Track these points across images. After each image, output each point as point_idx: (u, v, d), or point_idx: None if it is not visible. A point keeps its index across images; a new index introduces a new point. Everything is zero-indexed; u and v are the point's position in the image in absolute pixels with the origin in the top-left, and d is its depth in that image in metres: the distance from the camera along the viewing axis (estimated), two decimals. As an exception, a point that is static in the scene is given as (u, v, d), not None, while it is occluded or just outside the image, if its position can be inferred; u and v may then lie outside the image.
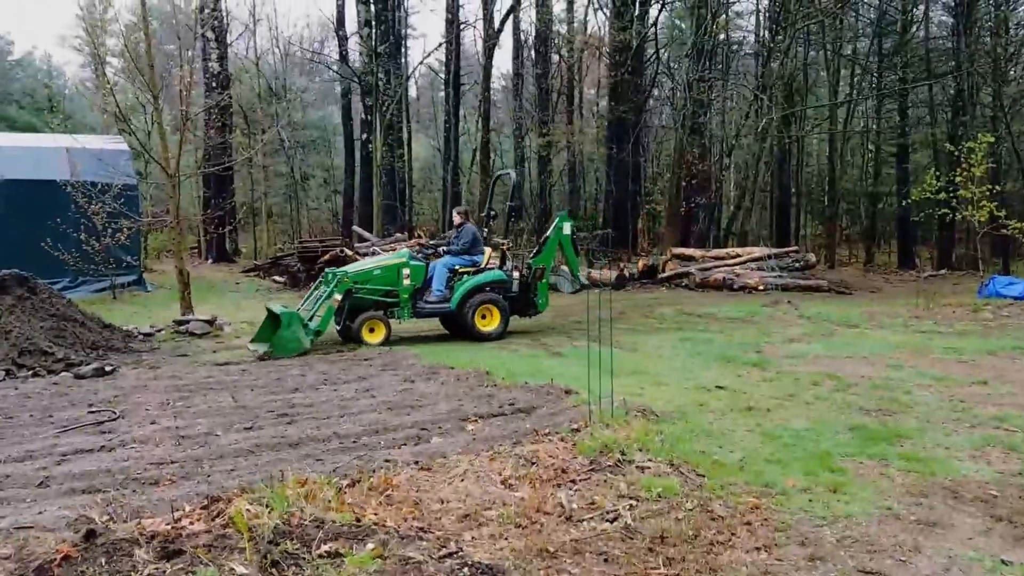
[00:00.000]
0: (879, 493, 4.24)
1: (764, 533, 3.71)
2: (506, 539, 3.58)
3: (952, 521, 3.88)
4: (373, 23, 26.26)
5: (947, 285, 19.72)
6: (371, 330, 10.12)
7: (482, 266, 10.90)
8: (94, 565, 3.00)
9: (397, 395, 6.85)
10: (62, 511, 3.98)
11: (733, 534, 3.69)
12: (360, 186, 29.03)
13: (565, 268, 13.08)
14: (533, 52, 29.99)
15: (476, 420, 5.87)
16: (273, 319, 9.64)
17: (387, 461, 4.74)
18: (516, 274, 11.19)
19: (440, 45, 29.72)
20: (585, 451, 4.71)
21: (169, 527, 3.38)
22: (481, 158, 27.97)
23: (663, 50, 28.87)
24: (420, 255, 11.08)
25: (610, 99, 27.42)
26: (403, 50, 30.34)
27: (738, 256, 20.60)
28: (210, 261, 26.03)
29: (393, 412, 6.20)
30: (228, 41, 28.10)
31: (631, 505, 3.96)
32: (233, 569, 3.04)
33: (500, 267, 11.16)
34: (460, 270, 10.76)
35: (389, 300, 10.45)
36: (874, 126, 32.46)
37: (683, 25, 29.80)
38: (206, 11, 23.49)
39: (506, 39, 30.46)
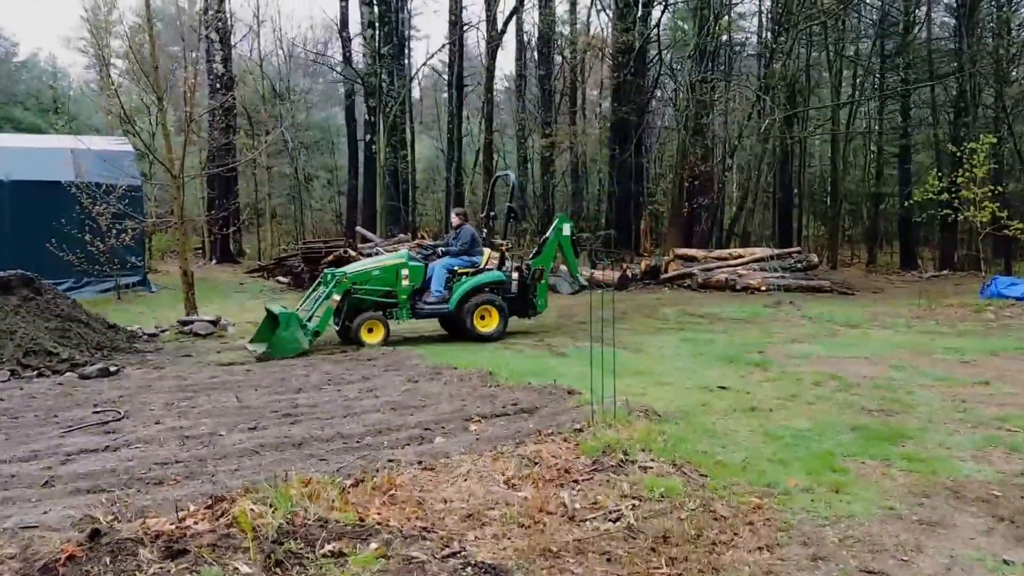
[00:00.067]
0: (881, 493, 4.24)
1: (766, 533, 3.71)
2: (509, 539, 3.58)
3: (954, 521, 3.88)
4: (377, 24, 26.30)
5: (949, 286, 19.72)
6: (370, 330, 10.11)
7: (481, 267, 10.91)
8: (99, 565, 3.01)
9: (401, 395, 6.87)
10: (67, 511, 4.00)
11: (736, 534, 3.70)
12: (363, 187, 29.06)
13: (564, 269, 13.09)
14: (536, 53, 29.99)
15: (479, 420, 5.88)
16: (272, 319, 9.64)
17: (390, 461, 4.75)
18: (515, 275, 11.18)
19: (443, 46, 29.74)
20: (588, 451, 4.72)
21: (173, 527, 3.40)
22: (484, 159, 27.99)
23: (666, 51, 28.88)
24: (419, 256, 11.08)
25: (613, 100, 27.41)
26: (406, 51, 30.39)
27: (741, 257, 20.59)
28: (214, 262, 26.05)
29: (397, 412, 6.21)
30: (232, 42, 28.14)
31: (634, 505, 3.97)
32: (237, 569, 3.05)
33: (499, 268, 11.16)
34: (459, 271, 10.76)
35: (388, 301, 10.45)
36: (876, 127, 32.44)
37: (686, 26, 29.83)
38: (210, 13, 23.57)
39: (509, 40, 30.51)
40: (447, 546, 3.40)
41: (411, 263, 10.62)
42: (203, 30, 22.97)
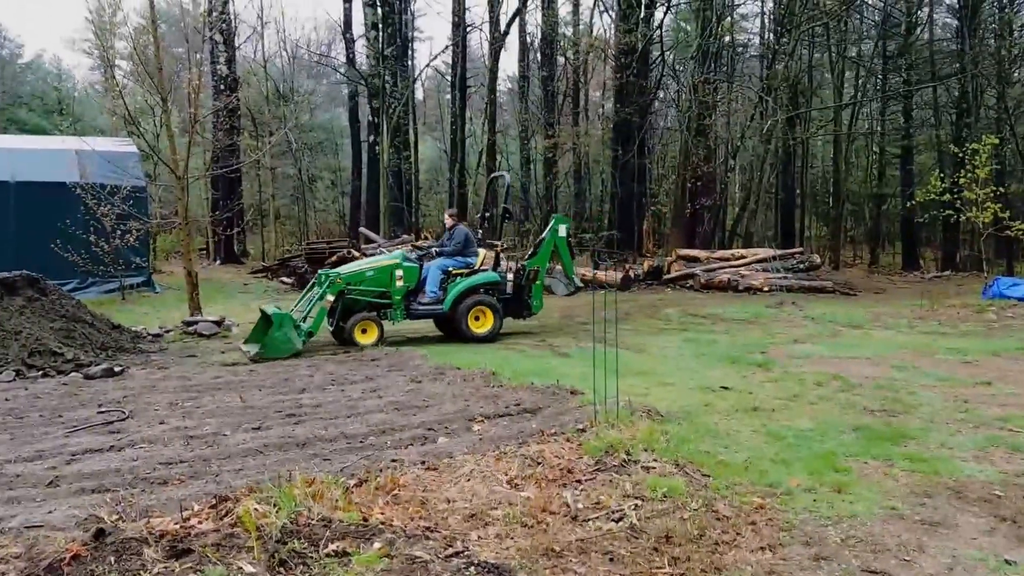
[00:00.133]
0: (883, 493, 4.25)
1: (769, 533, 3.72)
2: (512, 539, 3.59)
3: (956, 521, 3.89)
4: (380, 26, 26.33)
5: (951, 286, 19.72)
6: (363, 331, 10.08)
7: (476, 267, 10.89)
8: (103, 564, 3.02)
9: (404, 395, 6.88)
10: (72, 510, 4.02)
11: (738, 534, 3.70)
12: (367, 188, 29.08)
13: (560, 270, 13.06)
14: (539, 54, 30.00)
15: (482, 420, 5.89)
16: (266, 320, 9.60)
17: (394, 461, 4.77)
18: (510, 276, 11.16)
19: (446, 48, 29.75)
20: (591, 451, 4.72)
21: (178, 526, 3.40)
22: (487, 160, 28.00)
23: (668, 52, 28.86)
24: (414, 256, 11.06)
25: (615, 101, 27.38)
26: (410, 53, 30.42)
27: (743, 257, 20.60)
28: (218, 262, 26.10)
29: (400, 412, 6.23)
30: (236, 44, 28.21)
31: (636, 505, 3.98)
32: (241, 568, 3.05)
33: (494, 269, 11.14)
34: (454, 272, 10.75)
35: (382, 302, 10.41)
36: (878, 128, 32.42)
37: (688, 27, 29.81)
38: (214, 14, 23.59)
39: (512, 42, 30.49)
40: (450, 546, 3.41)
41: (405, 264, 10.57)
42: (207, 31, 22.97)
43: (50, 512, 4.01)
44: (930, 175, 21.34)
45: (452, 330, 10.77)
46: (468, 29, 28.83)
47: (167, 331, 11.24)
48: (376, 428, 5.69)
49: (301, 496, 3.72)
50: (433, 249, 11.31)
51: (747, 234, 26.49)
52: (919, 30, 29.30)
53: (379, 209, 26.73)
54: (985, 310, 13.40)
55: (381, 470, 4.48)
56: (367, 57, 28.20)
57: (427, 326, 11.61)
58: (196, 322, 11.52)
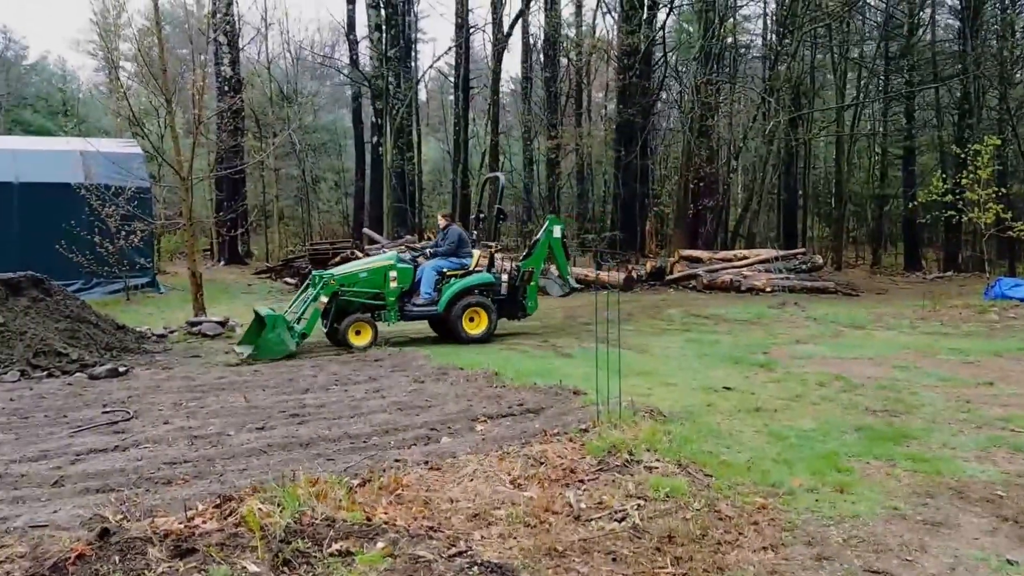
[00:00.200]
0: (885, 493, 4.25)
1: (771, 533, 3.72)
2: (515, 538, 3.60)
3: (958, 521, 3.89)
4: (383, 27, 26.38)
5: (953, 287, 19.72)
6: (357, 332, 10.05)
7: (470, 269, 10.89)
8: (108, 563, 3.03)
9: (407, 396, 6.89)
10: (76, 510, 4.03)
11: (740, 534, 3.71)
12: (370, 189, 29.13)
13: (555, 270, 13.06)
14: (542, 56, 30.01)
15: (485, 420, 5.90)
16: (259, 321, 9.57)
17: (397, 461, 4.78)
18: (505, 276, 11.15)
19: (450, 49, 29.86)
20: (593, 451, 4.73)
21: (182, 526, 3.41)
22: (490, 161, 28.01)
23: (671, 53, 28.88)
24: (408, 258, 11.04)
25: (618, 102, 27.40)
26: (413, 54, 30.48)
27: (745, 258, 20.62)
28: (222, 263, 26.14)
29: (403, 412, 6.24)
30: (240, 45, 28.25)
31: (639, 505, 3.98)
32: (245, 567, 3.06)
33: (488, 270, 11.13)
34: (448, 273, 10.73)
35: (376, 303, 10.39)
36: (881, 129, 32.42)
37: (691, 29, 29.82)
38: (218, 16, 23.66)
39: (515, 43, 30.66)
40: (453, 545, 3.42)
41: (399, 265, 10.56)
42: (211, 33, 23.06)
43: (55, 512, 4.03)
44: (932, 176, 21.31)
45: (446, 331, 10.74)
46: (471, 30, 28.86)
47: (171, 331, 11.27)
48: (379, 428, 5.70)
49: (305, 496, 3.73)
50: (428, 250, 11.29)
51: (749, 235, 26.48)
52: (921, 31, 29.27)
53: (382, 210, 26.76)
54: (987, 311, 13.38)
55: (384, 470, 4.50)
56: (370, 58, 28.25)
57: (421, 327, 11.59)
58: (200, 322, 11.55)
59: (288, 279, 20.47)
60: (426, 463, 4.69)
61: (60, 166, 16.46)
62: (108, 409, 6.52)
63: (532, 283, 11.31)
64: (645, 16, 25.84)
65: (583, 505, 4.00)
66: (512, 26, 28.27)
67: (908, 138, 29.19)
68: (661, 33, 27.39)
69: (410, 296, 10.61)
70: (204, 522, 3.52)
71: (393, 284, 10.39)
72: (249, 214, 26.91)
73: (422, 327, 11.50)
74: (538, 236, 11.68)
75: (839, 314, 13.55)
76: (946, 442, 5.26)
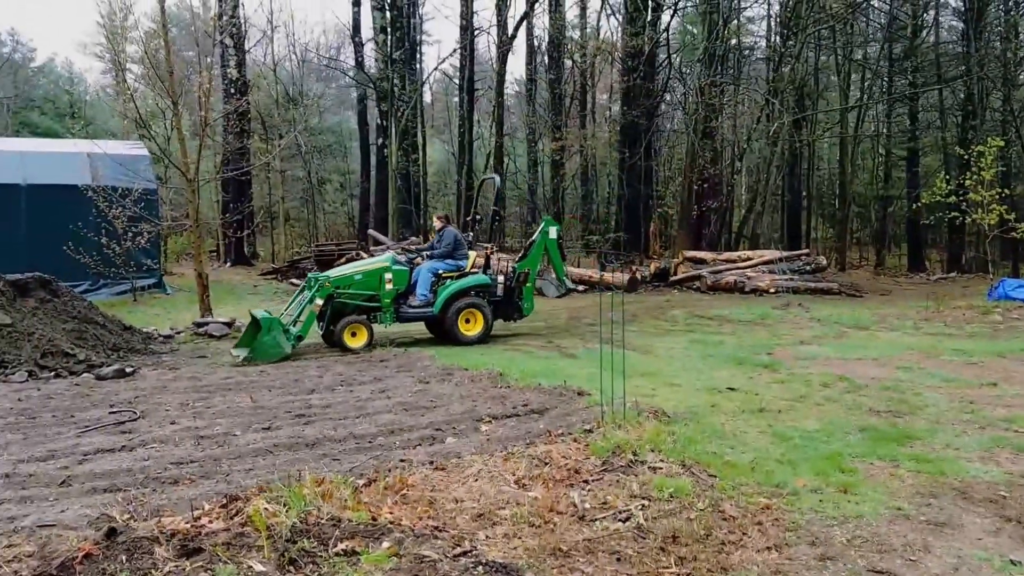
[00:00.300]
0: (889, 493, 4.26)
1: (775, 533, 3.73)
2: (520, 538, 3.61)
3: (961, 521, 3.90)
4: (389, 30, 26.40)
5: (957, 288, 19.70)
6: (353, 334, 10.04)
7: (466, 270, 10.89)
8: (115, 563, 3.05)
9: (412, 396, 6.92)
10: (84, 510, 4.06)
11: (744, 534, 3.72)
12: (376, 190, 29.15)
13: (551, 272, 13.05)
14: (546, 57, 30.03)
15: (490, 421, 5.92)
16: (255, 324, 9.57)
17: (402, 461, 4.80)
18: (500, 278, 11.16)
19: (454, 51, 29.83)
20: (598, 452, 4.74)
21: (189, 525, 3.44)
22: (495, 162, 28.04)
23: (675, 55, 28.84)
24: (404, 259, 11.04)
25: (622, 104, 27.40)
26: (418, 56, 30.48)
27: (749, 259, 20.62)
28: (228, 264, 26.21)
29: (408, 413, 6.26)
30: (246, 48, 28.33)
31: (643, 505, 3.99)
32: (251, 567, 3.08)
33: (484, 271, 11.14)
34: (444, 274, 10.73)
35: (371, 305, 10.38)
36: (884, 130, 32.37)
37: (695, 30, 29.79)
38: (224, 18, 23.72)
39: (520, 45, 30.62)
40: (458, 545, 3.43)
41: (395, 267, 10.55)
42: (217, 35, 23.10)
43: (62, 511, 4.05)
44: (936, 177, 21.26)
45: (443, 332, 10.73)
46: (476, 33, 28.90)
47: (178, 332, 11.31)
48: (385, 428, 5.72)
49: (311, 496, 3.75)
50: (424, 252, 11.30)
51: (753, 236, 26.46)
52: (925, 33, 29.24)
53: (388, 211, 26.79)
54: (991, 311, 13.36)
55: (390, 470, 4.52)
56: (376, 61, 28.30)
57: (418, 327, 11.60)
58: (207, 323, 11.60)
59: (294, 280, 20.53)
60: (431, 463, 4.70)
61: (67, 168, 16.53)
62: (115, 409, 6.55)
63: (528, 284, 11.31)
64: (649, 18, 25.85)
65: (587, 505, 4.01)
66: (516, 28, 28.31)
67: (912, 139, 29.16)
68: (665, 35, 27.39)
69: (406, 298, 10.61)
70: (210, 522, 3.54)
71: (389, 286, 10.39)
72: (255, 215, 27.06)
73: (425, 328, 11.52)
74: (534, 238, 11.68)
75: (843, 315, 13.54)
76: (950, 443, 5.27)
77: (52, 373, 8.18)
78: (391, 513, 3.77)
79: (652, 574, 3.32)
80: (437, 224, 11.35)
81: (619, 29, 28.83)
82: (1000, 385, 7.30)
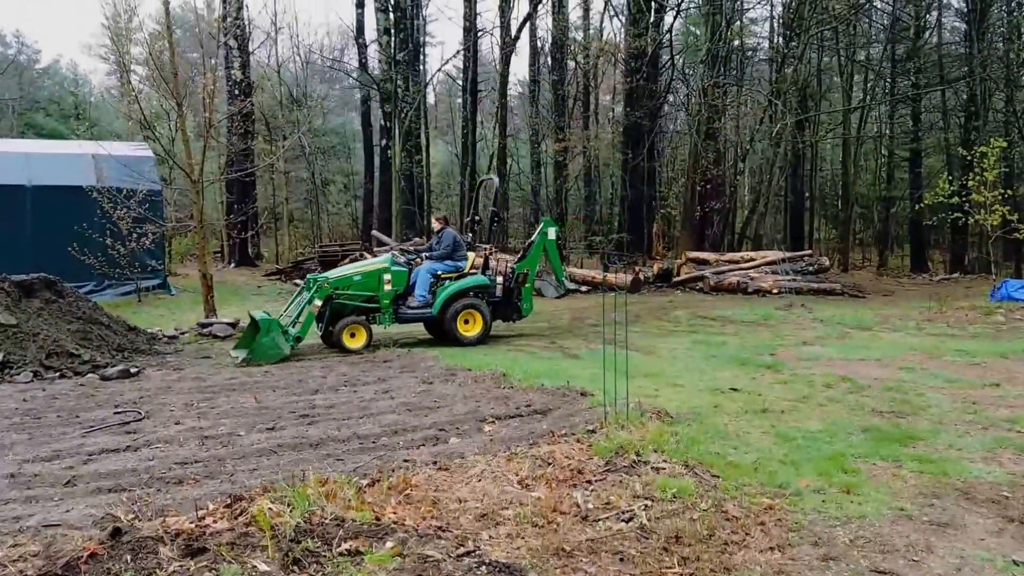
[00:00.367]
0: (892, 494, 4.26)
1: (778, 533, 3.74)
2: (523, 538, 3.62)
3: (964, 522, 3.90)
4: (392, 31, 26.43)
5: (959, 288, 19.67)
6: (352, 335, 10.03)
7: (465, 271, 10.90)
8: (120, 562, 3.06)
9: (416, 396, 6.93)
10: (89, 509, 4.08)
11: (747, 534, 3.73)
12: (379, 191, 29.16)
13: (550, 273, 13.05)
14: (549, 59, 30.00)
15: (493, 421, 5.93)
16: (254, 325, 9.57)
17: (406, 461, 4.81)
18: (499, 279, 11.16)
19: (458, 53, 29.83)
20: (601, 452, 4.75)
21: (193, 525, 3.44)
22: (498, 163, 28.04)
23: (678, 56, 28.83)
24: (403, 260, 11.05)
25: (625, 105, 27.40)
26: (421, 57, 30.52)
27: (752, 260, 20.61)
28: (233, 265, 26.25)
29: (412, 413, 6.28)
30: (250, 49, 28.38)
31: (646, 505, 4.00)
32: (255, 567, 3.09)
33: (483, 272, 11.14)
34: (443, 275, 10.74)
35: (370, 306, 10.38)
36: (887, 131, 32.36)
37: (698, 32, 29.80)
38: (228, 20, 23.79)
39: (523, 46, 30.52)
40: (462, 545, 3.44)
41: (393, 268, 10.55)
42: (222, 37, 23.13)
43: (67, 511, 4.07)
44: (939, 178, 21.32)
45: (441, 333, 10.74)
46: (479, 34, 28.88)
47: (182, 333, 11.34)
48: (388, 429, 5.74)
49: (315, 496, 3.76)
50: (423, 253, 11.32)
51: (756, 237, 26.45)
52: (928, 34, 29.23)
53: (391, 212, 26.83)
54: (993, 312, 13.35)
55: (393, 470, 4.53)
56: (379, 62, 28.30)
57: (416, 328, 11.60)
58: (211, 324, 11.62)
59: (298, 281, 20.52)
60: (435, 463, 4.72)
61: (72, 169, 16.58)
62: (120, 410, 6.57)
63: (527, 285, 11.31)
64: (652, 19, 25.86)
65: (590, 505, 4.02)
66: (520, 29, 28.31)
67: (915, 140, 29.13)
68: (668, 36, 27.38)
69: (405, 299, 10.61)
70: (215, 521, 3.54)
71: (387, 287, 10.39)
72: (259, 216, 27.09)
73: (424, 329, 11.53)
74: (533, 238, 11.69)
75: (845, 316, 13.53)
76: (952, 443, 5.27)
77: (57, 373, 8.20)
78: (395, 513, 3.78)
79: (655, 574, 3.32)
80: (436, 225, 11.37)
81: (622, 30, 28.83)
82: (1003, 386, 7.29)
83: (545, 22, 30.11)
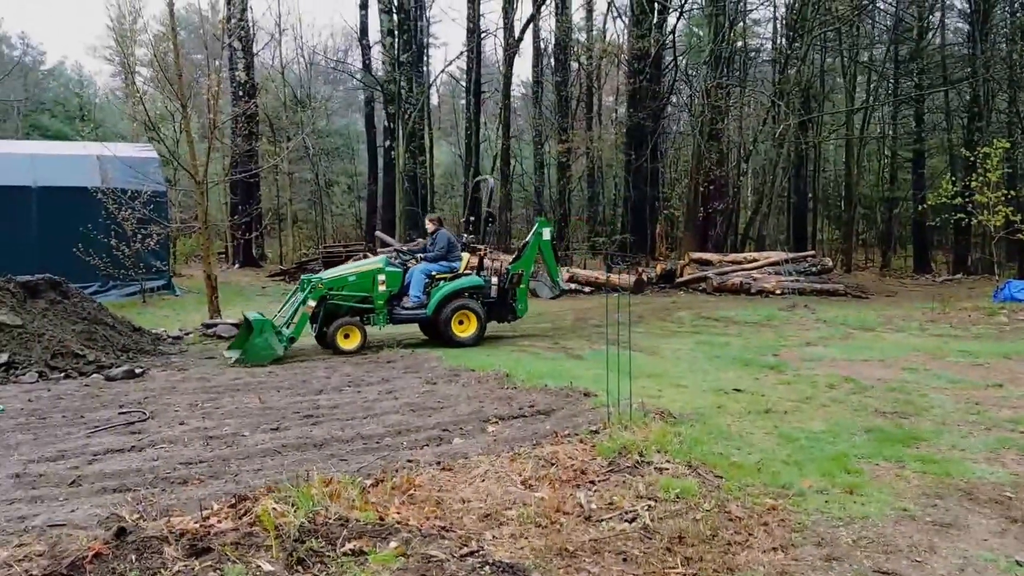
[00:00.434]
0: (895, 494, 4.26)
1: (781, 533, 3.74)
2: (526, 538, 3.63)
3: (967, 522, 3.90)
4: (396, 32, 26.48)
5: (963, 289, 19.66)
6: (346, 336, 10.01)
7: (459, 272, 10.89)
8: (124, 562, 3.06)
9: (419, 397, 6.94)
10: (94, 509, 4.09)
11: (750, 534, 3.73)
12: (383, 192, 29.22)
13: (545, 274, 13.03)
14: (552, 60, 30.03)
15: (497, 422, 5.94)
16: (248, 326, 9.55)
17: (410, 461, 4.82)
18: (494, 279, 11.14)
19: (461, 54, 29.84)
20: (604, 452, 4.75)
21: (197, 525, 3.45)
22: (501, 164, 28.05)
23: (681, 57, 28.84)
24: (397, 261, 11.03)
25: (628, 106, 27.40)
26: (425, 59, 30.56)
27: (755, 261, 20.60)
28: (237, 266, 26.30)
29: (415, 413, 6.28)
30: (254, 51, 28.45)
31: (649, 506, 4.00)
32: (260, 566, 3.09)
33: (477, 272, 11.13)
34: (437, 276, 10.72)
35: (364, 306, 10.36)
36: (890, 132, 32.33)
37: (701, 33, 29.77)
38: (233, 21, 23.85)
39: (526, 47, 30.53)
40: (465, 545, 3.44)
41: (388, 268, 10.53)
42: (226, 38, 23.24)
43: (72, 511, 4.08)
44: (942, 179, 21.27)
45: (436, 334, 10.73)
46: (483, 35, 28.90)
47: (187, 333, 11.37)
48: (392, 429, 5.74)
49: (319, 496, 3.77)
50: (417, 254, 11.32)
51: (759, 237, 26.44)
52: (931, 35, 29.22)
53: (395, 213, 26.86)
54: (996, 313, 13.32)
55: (397, 470, 4.54)
56: (383, 63, 28.34)
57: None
58: (215, 324, 11.65)
59: (301, 282, 20.60)
60: (438, 464, 4.72)
61: (77, 170, 16.63)
62: (124, 410, 6.59)
63: (522, 286, 11.30)
64: (655, 20, 25.87)
65: (594, 506, 4.03)
66: (523, 31, 28.31)
67: (918, 141, 29.10)
68: (671, 37, 27.40)
69: (399, 299, 10.59)
70: (219, 521, 3.55)
71: (382, 288, 10.36)
72: (263, 217, 27.11)
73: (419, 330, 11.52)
74: (528, 239, 11.68)
75: (849, 316, 13.51)
76: (955, 444, 5.27)
77: (62, 374, 8.23)
78: (398, 513, 3.79)
79: (658, 574, 3.33)
80: (430, 227, 11.35)
81: (625, 31, 28.86)
82: (1006, 386, 7.28)
83: (548, 23, 30.16)
